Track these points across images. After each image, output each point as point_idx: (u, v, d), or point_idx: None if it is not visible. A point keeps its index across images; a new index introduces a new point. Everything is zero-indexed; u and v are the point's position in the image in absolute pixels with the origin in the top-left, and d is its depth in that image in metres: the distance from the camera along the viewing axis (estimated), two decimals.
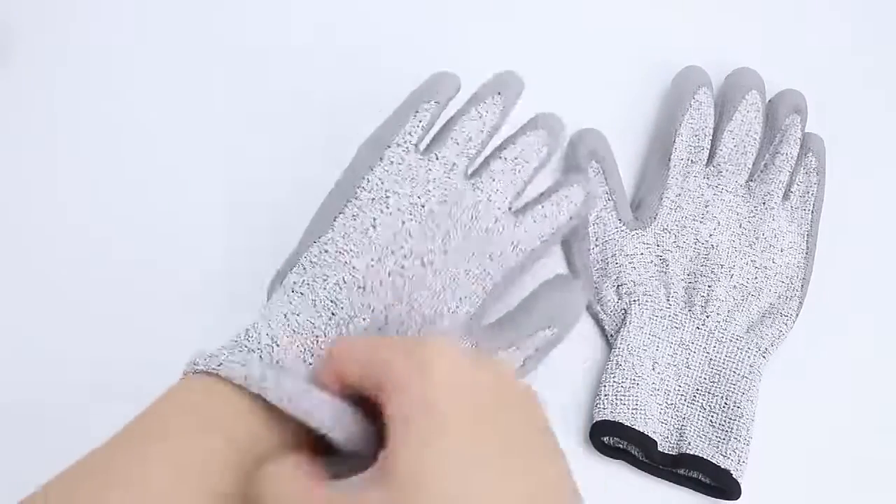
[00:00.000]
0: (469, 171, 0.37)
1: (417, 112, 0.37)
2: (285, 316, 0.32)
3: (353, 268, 0.34)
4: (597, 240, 0.44)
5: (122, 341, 0.41)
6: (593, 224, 0.44)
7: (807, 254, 0.45)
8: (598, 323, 0.44)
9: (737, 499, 0.40)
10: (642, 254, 0.44)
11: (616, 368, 0.41)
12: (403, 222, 0.35)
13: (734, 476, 0.39)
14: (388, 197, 0.35)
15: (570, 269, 0.45)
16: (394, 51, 0.47)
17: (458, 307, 0.35)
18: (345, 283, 0.34)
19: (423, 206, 0.35)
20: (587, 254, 0.44)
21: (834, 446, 0.43)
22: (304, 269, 0.34)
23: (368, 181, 0.35)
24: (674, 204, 0.45)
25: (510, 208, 0.37)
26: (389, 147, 0.36)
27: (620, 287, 0.43)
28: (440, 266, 0.35)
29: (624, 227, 0.45)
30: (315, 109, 0.46)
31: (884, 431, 0.44)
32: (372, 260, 0.34)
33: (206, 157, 0.45)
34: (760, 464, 0.41)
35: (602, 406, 0.40)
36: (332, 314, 0.33)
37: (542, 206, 0.38)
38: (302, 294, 0.33)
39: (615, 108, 0.48)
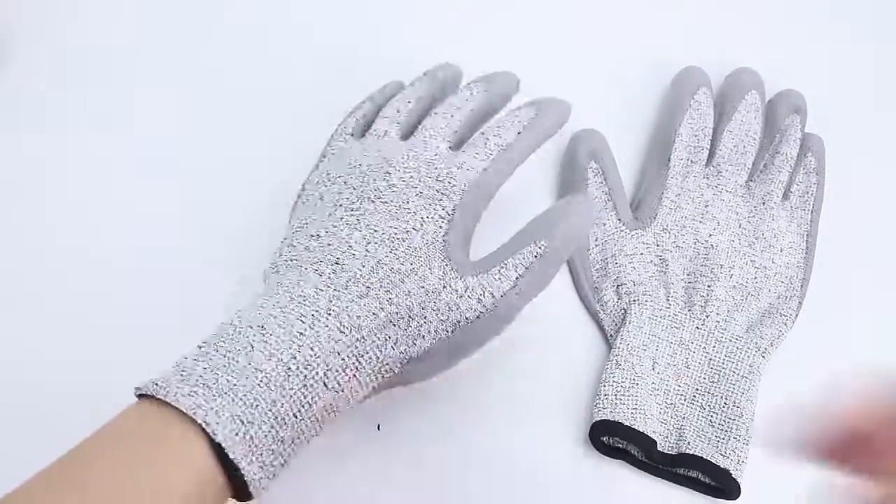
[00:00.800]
0: (401, 136, 0.39)
1: (353, 111, 0.41)
2: (261, 306, 0.32)
3: (312, 228, 0.35)
4: (596, 240, 0.44)
5: (119, 343, 0.41)
6: (593, 224, 0.44)
7: (806, 254, 0.45)
8: (598, 323, 0.44)
9: (736, 498, 0.40)
10: (642, 254, 0.44)
11: (616, 368, 0.41)
12: (345, 181, 0.36)
13: (733, 476, 0.40)
14: (328, 174, 0.37)
15: (569, 269, 0.45)
16: (394, 51, 0.47)
17: (422, 224, 0.35)
18: (302, 242, 0.35)
19: (358, 165, 0.37)
20: (587, 254, 0.44)
21: None
22: (277, 254, 0.35)
23: (311, 176, 0.39)
24: (673, 204, 0.45)
25: (450, 147, 0.38)
26: (329, 145, 0.40)
27: (620, 287, 0.43)
28: (389, 197, 0.35)
29: (623, 227, 0.45)
30: (313, 111, 0.46)
31: None
32: (325, 215, 0.35)
33: (207, 158, 0.45)
34: (760, 464, 0.41)
35: (602, 406, 0.41)
36: (295, 263, 0.34)
37: (484, 132, 0.38)
38: (267, 280, 0.34)
39: (615, 108, 0.48)
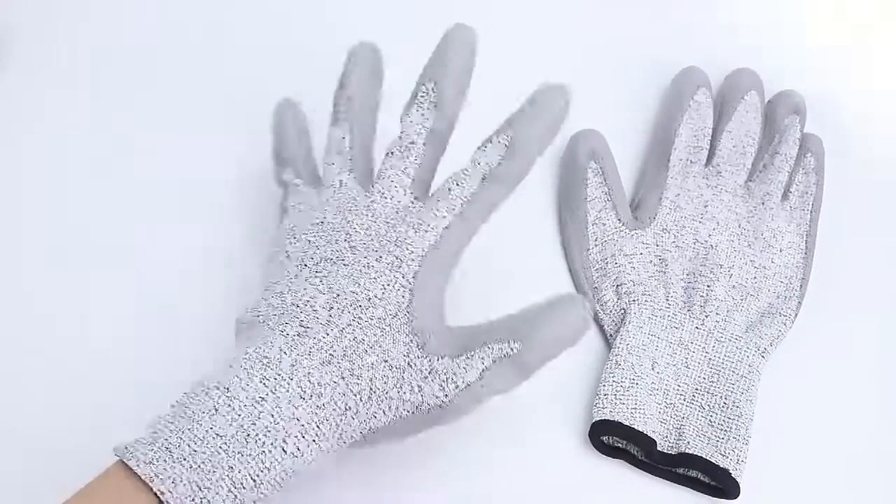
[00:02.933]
0: (358, 180, 0.37)
1: (280, 159, 0.40)
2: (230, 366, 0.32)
3: (276, 289, 0.35)
4: (596, 240, 0.44)
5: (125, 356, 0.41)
6: (592, 224, 0.45)
7: (805, 254, 0.46)
8: (598, 323, 0.44)
9: (735, 498, 0.40)
10: (641, 253, 0.44)
11: (615, 368, 0.41)
12: (309, 240, 0.35)
13: (733, 475, 0.40)
14: (293, 230, 0.37)
15: (569, 269, 0.45)
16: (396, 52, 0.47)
17: (384, 293, 0.33)
18: (267, 301, 0.34)
19: (321, 223, 0.36)
20: (586, 254, 0.44)
21: (833, 446, 0.43)
22: (245, 312, 0.35)
23: (278, 232, 0.38)
24: (673, 204, 0.45)
25: (413, 197, 0.36)
26: (286, 199, 0.39)
27: (620, 287, 0.44)
28: (350, 260, 0.34)
29: (623, 228, 0.45)
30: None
31: (883, 431, 0.44)
32: (292, 275, 0.35)
33: (207, 158, 0.45)
34: (760, 464, 0.41)
35: (601, 405, 0.41)
36: (261, 322, 0.34)
37: (447, 182, 0.35)
38: (238, 344, 0.34)
39: (615, 108, 0.48)
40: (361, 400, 0.32)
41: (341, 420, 0.32)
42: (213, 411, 0.30)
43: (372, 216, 0.35)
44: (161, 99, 0.46)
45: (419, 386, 0.32)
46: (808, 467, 0.42)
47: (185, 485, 0.28)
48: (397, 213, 0.35)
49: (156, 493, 0.28)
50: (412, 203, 0.35)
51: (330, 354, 0.32)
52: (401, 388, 0.32)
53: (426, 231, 0.34)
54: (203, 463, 0.29)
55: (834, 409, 0.44)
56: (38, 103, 0.46)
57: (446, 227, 0.34)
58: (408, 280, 0.34)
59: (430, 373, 0.32)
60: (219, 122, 0.46)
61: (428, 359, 0.33)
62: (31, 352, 0.41)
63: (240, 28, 0.49)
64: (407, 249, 0.34)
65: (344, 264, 0.34)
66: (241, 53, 0.48)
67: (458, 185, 0.35)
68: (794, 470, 0.42)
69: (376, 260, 0.34)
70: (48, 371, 0.40)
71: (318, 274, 0.34)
